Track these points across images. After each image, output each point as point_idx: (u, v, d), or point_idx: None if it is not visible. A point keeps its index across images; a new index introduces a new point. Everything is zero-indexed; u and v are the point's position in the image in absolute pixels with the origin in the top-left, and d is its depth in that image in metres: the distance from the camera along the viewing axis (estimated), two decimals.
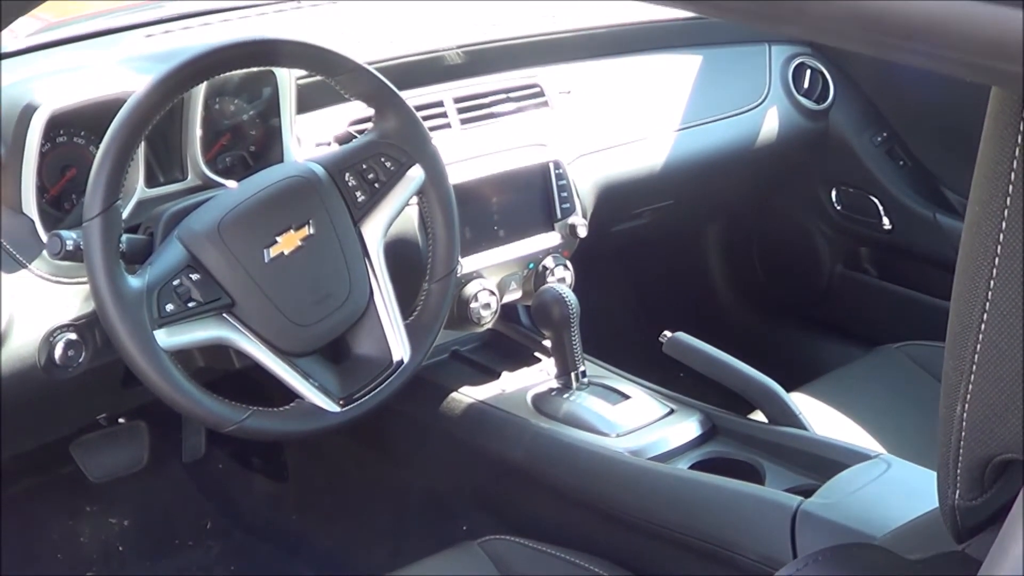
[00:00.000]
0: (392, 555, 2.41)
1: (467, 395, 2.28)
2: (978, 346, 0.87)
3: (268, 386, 1.87)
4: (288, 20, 2.38)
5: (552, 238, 2.34)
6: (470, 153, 2.25)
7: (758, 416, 2.11)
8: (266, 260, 1.78)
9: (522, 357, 2.40)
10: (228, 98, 2.06)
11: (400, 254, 2.05)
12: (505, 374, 2.34)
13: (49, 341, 1.78)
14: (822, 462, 1.93)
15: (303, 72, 2.03)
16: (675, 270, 3.40)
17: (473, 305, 2.22)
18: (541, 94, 2.43)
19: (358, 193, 1.89)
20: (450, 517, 2.38)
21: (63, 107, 1.81)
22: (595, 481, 2.04)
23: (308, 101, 2.11)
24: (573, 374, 2.22)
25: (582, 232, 2.34)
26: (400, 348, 1.91)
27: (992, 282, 0.85)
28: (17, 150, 1.78)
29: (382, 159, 1.91)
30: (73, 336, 1.80)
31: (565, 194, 2.34)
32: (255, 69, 1.96)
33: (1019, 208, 0.82)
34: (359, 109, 2.11)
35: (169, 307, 1.68)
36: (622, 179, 2.51)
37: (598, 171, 2.46)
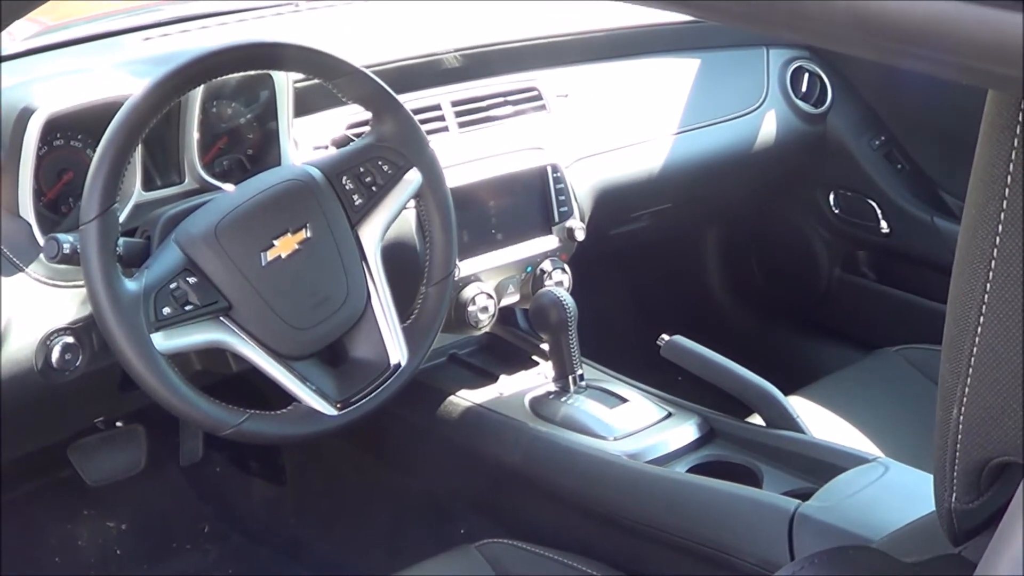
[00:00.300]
0: (390, 558, 2.41)
1: (465, 398, 2.28)
2: (974, 349, 0.87)
3: (265, 390, 1.87)
4: (285, 23, 2.38)
5: (550, 241, 2.34)
6: (468, 157, 2.25)
7: (756, 419, 2.12)
8: (263, 264, 1.78)
9: (520, 360, 2.40)
10: (225, 101, 2.06)
11: (397, 257, 2.05)
12: (503, 377, 2.34)
13: (46, 344, 1.78)
14: (820, 465, 1.93)
15: (300, 75, 2.03)
16: (673, 273, 3.40)
17: (471, 308, 2.22)
18: (539, 97, 2.43)
19: (355, 196, 1.89)
20: (448, 520, 2.37)
21: (60, 110, 1.81)
22: (593, 484, 2.04)
23: (305, 104, 2.11)
24: (571, 377, 2.22)
25: (580, 235, 2.34)
26: (397, 351, 1.90)
27: (988, 285, 0.85)
28: (14, 153, 1.78)
29: (379, 162, 1.91)
30: (70, 339, 1.80)
31: (563, 197, 2.34)
32: (252, 72, 1.96)
33: (1015, 211, 0.82)
34: (356, 112, 2.12)
35: (166, 310, 1.68)
36: (620, 182, 2.51)
37: (596, 174, 2.46)
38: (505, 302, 2.32)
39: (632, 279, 3.38)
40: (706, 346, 2.16)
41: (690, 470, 2.02)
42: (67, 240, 1.69)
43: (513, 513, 2.24)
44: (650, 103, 2.64)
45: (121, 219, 1.71)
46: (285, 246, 1.80)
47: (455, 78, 2.35)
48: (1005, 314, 0.85)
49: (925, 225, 2.83)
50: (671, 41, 2.73)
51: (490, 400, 2.27)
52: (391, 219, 1.93)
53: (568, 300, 2.18)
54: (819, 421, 2.20)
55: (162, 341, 1.67)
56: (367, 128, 1.95)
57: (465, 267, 2.20)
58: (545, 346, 2.30)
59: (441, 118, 2.27)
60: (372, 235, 1.90)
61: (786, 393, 2.13)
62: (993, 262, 0.84)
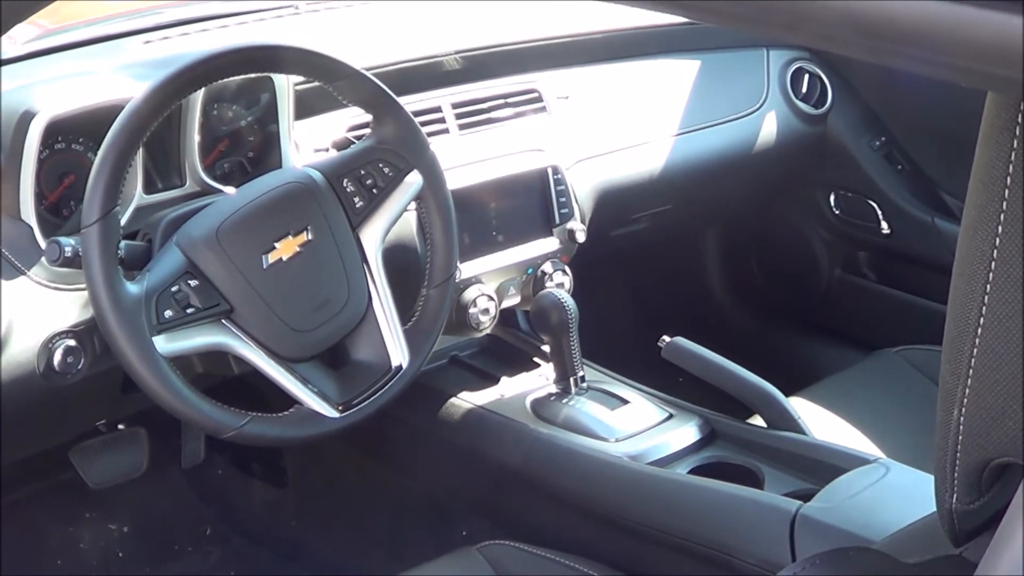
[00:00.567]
0: (391, 560, 2.41)
1: (466, 400, 2.28)
2: (975, 350, 0.87)
3: (267, 392, 1.87)
4: (285, 26, 2.38)
5: (551, 243, 2.34)
6: (468, 159, 2.25)
7: (757, 420, 2.12)
8: (264, 266, 1.78)
9: (521, 362, 2.40)
10: (226, 104, 2.06)
11: (399, 260, 2.05)
12: (504, 379, 2.34)
13: (48, 348, 1.78)
14: (821, 466, 1.93)
15: (301, 78, 2.03)
16: (674, 275, 3.40)
17: (472, 310, 2.22)
18: (539, 99, 2.43)
19: (356, 199, 1.89)
20: (449, 522, 2.37)
21: (61, 114, 1.81)
22: (594, 486, 2.04)
23: (306, 107, 2.11)
24: (572, 379, 2.22)
25: (581, 237, 2.35)
26: (399, 353, 1.91)
27: (988, 286, 0.85)
28: (15, 157, 1.78)
29: (380, 165, 1.91)
30: (72, 342, 1.80)
31: (564, 199, 2.34)
32: (253, 75, 1.96)
33: (1015, 212, 0.83)
34: (357, 115, 2.12)
35: (168, 313, 1.68)
36: (620, 184, 2.51)
37: (596, 176, 2.46)
38: (506, 304, 2.32)
39: (633, 280, 3.38)
40: (707, 347, 2.17)
41: (691, 471, 2.02)
42: (69, 243, 1.69)
43: (514, 515, 2.24)
44: (650, 104, 2.64)
45: (122, 222, 1.71)
46: (286, 249, 1.80)
47: (455, 80, 2.35)
48: (1005, 315, 0.85)
49: (925, 226, 2.83)
50: (671, 42, 2.73)
51: (491, 402, 2.27)
52: (392, 221, 1.93)
53: (569, 302, 2.18)
54: (820, 422, 2.20)
55: (164, 344, 1.67)
56: (368, 130, 1.96)
57: (466, 269, 2.21)
58: (546, 348, 2.30)
59: (442, 120, 2.27)
60: (373, 237, 1.90)
61: (787, 394, 2.13)
62: (993, 263, 0.84)
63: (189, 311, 1.71)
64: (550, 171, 2.33)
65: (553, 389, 2.26)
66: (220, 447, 2.75)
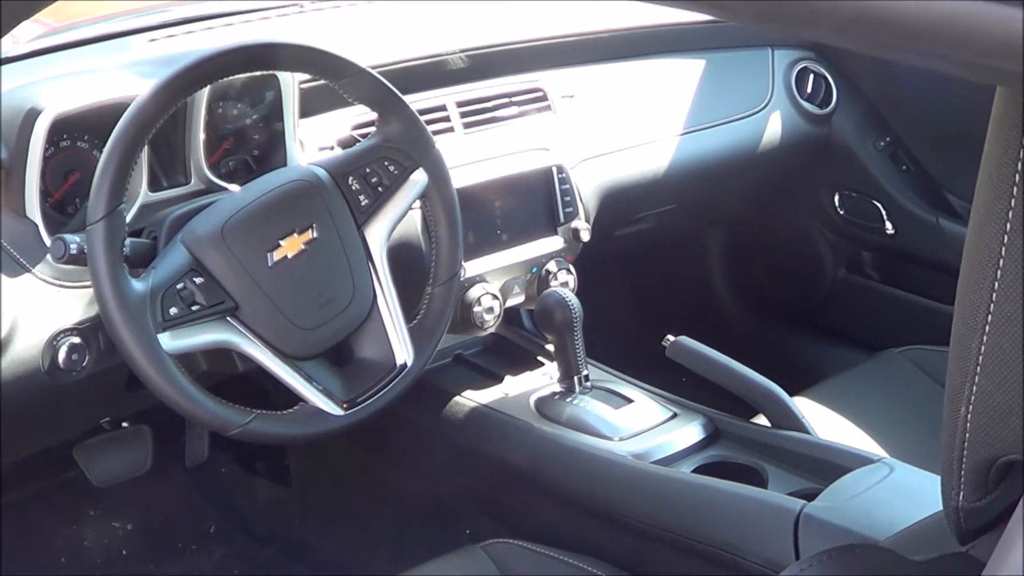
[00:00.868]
0: (395, 559, 2.42)
1: (470, 399, 2.28)
2: (982, 348, 0.87)
3: (271, 390, 1.87)
4: (290, 24, 2.38)
5: (555, 242, 2.34)
6: (473, 157, 2.25)
7: (761, 420, 2.12)
8: (270, 264, 1.78)
9: (525, 361, 2.40)
10: (231, 102, 2.06)
11: (403, 258, 2.05)
12: (508, 378, 2.34)
13: (53, 345, 1.78)
14: (825, 466, 1.93)
15: (306, 76, 2.03)
16: (678, 274, 3.40)
17: (476, 309, 2.22)
18: (544, 98, 2.43)
19: (361, 197, 1.89)
20: (453, 521, 2.38)
21: (67, 111, 1.81)
22: (598, 485, 2.04)
23: (311, 105, 2.11)
24: (576, 378, 2.22)
25: (585, 236, 2.35)
26: (403, 352, 1.91)
27: (996, 284, 0.85)
28: (21, 154, 1.78)
29: (385, 163, 1.91)
30: (77, 340, 1.80)
31: (568, 198, 2.34)
32: (258, 73, 1.96)
33: (1023, 210, 0.82)
34: (362, 113, 2.12)
35: (173, 311, 1.68)
36: (625, 183, 2.51)
37: (601, 175, 2.46)
38: (510, 303, 2.32)
39: (637, 280, 3.38)
40: (711, 347, 2.16)
41: (695, 470, 2.02)
42: (74, 241, 1.69)
43: (518, 513, 2.24)
44: (655, 104, 2.64)
45: (128, 220, 1.71)
46: (291, 246, 1.80)
47: (460, 79, 2.35)
48: (1013, 312, 0.85)
49: (930, 226, 2.83)
50: (676, 42, 2.73)
51: (495, 401, 2.27)
52: (397, 219, 1.93)
53: (573, 301, 2.18)
54: (824, 422, 2.20)
55: (169, 341, 1.67)
56: (373, 129, 1.96)
57: (470, 268, 2.21)
58: (550, 347, 2.30)
59: (447, 119, 2.27)
60: (378, 235, 1.90)
61: (791, 394, 2.13)
62: (1001, 260, 0.84)
63: (194, 308, 1.71)
64: (555, 170, 2.33)
65: (557, 388, 2.26)
66: (224, 445, 2.75)
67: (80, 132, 1.89)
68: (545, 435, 2.14)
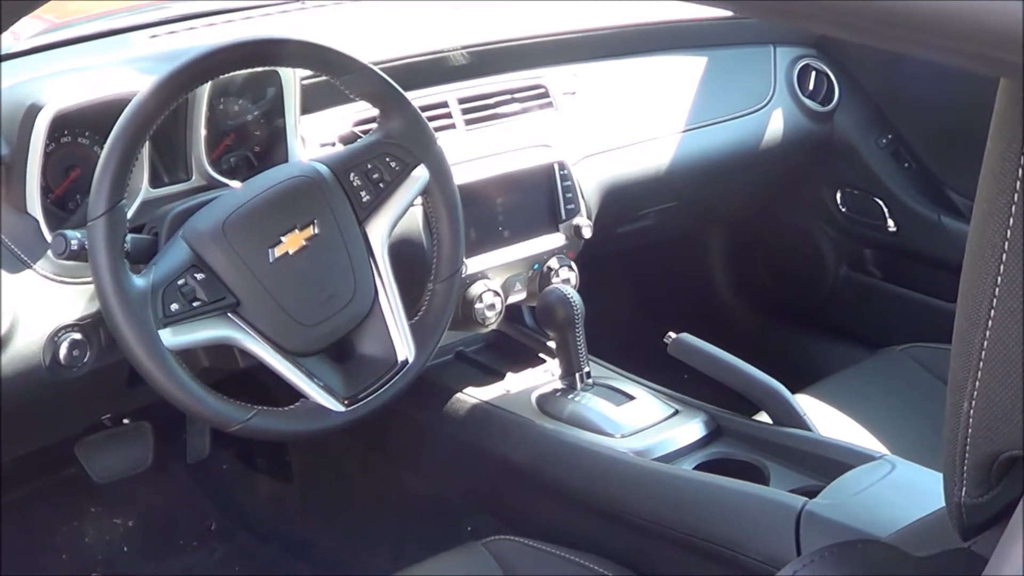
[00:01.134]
0: (396, 556, 2.41)
1: (471, 396, 2.28)
2: (985, 343, 0.87)
3: (273, 386, 1.86)
4: (292, 20, 2.38)
5: (557, 239, 2.34)
6: (475, 154, 2.25)
7: (763, 417, 2.11)
8: (271, 260, 1.78)
9: (527, 358, 2.40)
10: (232, 98, 2.06)
11: (405, 254, 2.05)
12: (509, 375, 2.34)
13: (54, 341, 1.78)
14: (827, 463, 1.93)
15: (308, 72, 2.03)
16: (679, 271, 3.40)
17: (478, 306, 2.22)
18: (546, 95, 2.43)
19: (363, 193, 1.89)
20: (454, 518, 2.38)
21: (67, 107, 1.81)
22: (600, 482, 2.04)
23: (313, 101, 2.11)
24: (578, 375, 2.22)
25: (587, 233, 2.34)
26: (405, 348, 1.90)
27: (999, 279, 0.85)
28: (21, 150, 1.77)
29: (387, 159, 1.91)
30: (78, 336, 1.80)
31: (570, 195, 2.34)
32: (259, 69, 1.96)
33: None
34: (364, 109, 2.12)
35: (174, 307, 1.68)
36: (627, 180, 2.51)
37: (603, 172, 2.46)
38: (512, 299, 2.32)
39: (639, 277, 3.38)
40: (713, 344, 2.16)
41: (697, 467, 2.02)
42: (75, 236, 1.69)
43: (520, 510, 2.24)
44: (657, 101, 2.64)
45: (128, 216, 1.71)
46: (293, 243, 1.80)
47: (462, 75, 2.35)
48: (1016, 307, 0.84)
49: (932, 223, 2.83)
50: (678, 39, 2.73)
51: (497, 397, 2.27)
52: (398, 216, 1.93)
53: (575, 297, 2.18)
54: (826, 419, 2.20)
55: (170, 337, 1.67)
56: (374, 125, 1.95)
57: (472, 264, 2.21)
58: (552, 343, 2.30)
59: (448, 115, 2.27)
60: (379, 232, 1.90)
61: (793, 391, 2.12)
62: (1004, 255, 0.84)
63: (195, 304, 1.70)
64: (556, 167, 2.33)
65: (559, 385, 2.26)
66: (225, 442, 2.75)
67: (81, 128, 1.89)
68: (547, 432, 2.13)
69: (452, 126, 2.27)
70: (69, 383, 1.82)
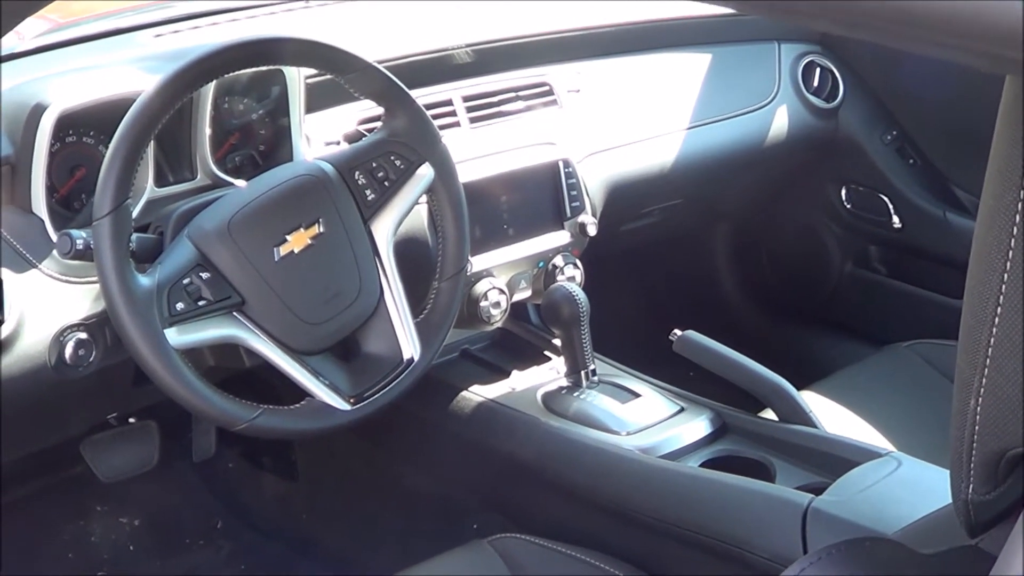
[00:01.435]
0: (401, 554, 2.40)
1: (477, 394, 2.28)
2: (992, 340, 0.87)
3: (278, 385, 1.87)
4: (297, 19, 2.38)
5: (562, 237, 2.34)
6: (479, 152, 2.25)
7: (768, 414, 2.11)
8: (276, 259, 1.78)
9: (532, 356, 2.40)
10: (237, 97, 2.06)
11: (410, 252, 2.05)
12: (515, 373, 2.34)
13: (59, 340, 1.78)
14: (832, 460, 1.93)
15: (312, 71, 2.03)
16: (684, 269, 3.39)
17: (483, 304, 2.22)
18: (550, 93, 2.43)
19: (368, 191, 1.89)
20: (460, 516, 2.37)
21: (72, 107, 1.81)
22: (605, 479, 2.04)
23: (317, 100, 2.11)
24: (583, 372, 2.22)
25: (592, 231, 2.34)
26: (410, 346, 1.90)
27: (1006, 275, 0.85)
28: (27, 150, 1.78)
29: (392, 157, 1.91)
30: (83, 335, 1.80)
31: (575, 193, 2.34)
32: (264, 68, 1.96)
33: None
34: (368, 108, 2.12)
35: (179, 306, 1.68)
36: (631, 178, 2.51)
37: (607, 170, 2.46)
38: (517, 297, 2.32)
39: (644, 274, 3.38)
40: (718, 341, 2.16)
41: (703, 465, 2.02)
42: (80, 236, 1.69)
43: (525, 508, 2.24)
44: (661, 98, 2.63)
45: (134, 215, 1.71)
46: (298, 241, 1.80)
47: (466, 73, 2.34)
48: (1022, 304, 0.84)
49: (937, 220, 2.82)
50: (682, 36, 2.73)
51: (502, 395, 2.27)
52: (403, 214, 1.93)
53: (580, 295, 2.18)
54: (831, 416, 2.20)
55: (175, 336, 1.67)
56: (379, 123, 1.95)
57: (477, 262, 2.21)
58: (557, 341, 2.30)
59: (453, 113, 2.27)
60: (385, 230, 1.90)
61: (798, 388, 2.12)
62: (1011, 252, 0.84)
63: (201, 304, 1.70)
64: (561, 164, 2.33)
65: (564, 382, 2.26)
66: (231, 441, 2.76)
67: (86, 128, 1.89)
68: (552, 430, 2.13)
69: (456, 124, 2.27)
70: (75, 382, 1.82)
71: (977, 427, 0.92)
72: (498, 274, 2.27)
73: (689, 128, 2.63)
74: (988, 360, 0.88)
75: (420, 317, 1.96)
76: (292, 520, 2.80)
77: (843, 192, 3.00)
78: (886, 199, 2.91)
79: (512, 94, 2.38)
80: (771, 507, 1.82)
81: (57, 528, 2.68)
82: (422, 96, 2.07)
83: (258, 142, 2.09)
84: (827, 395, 2.30)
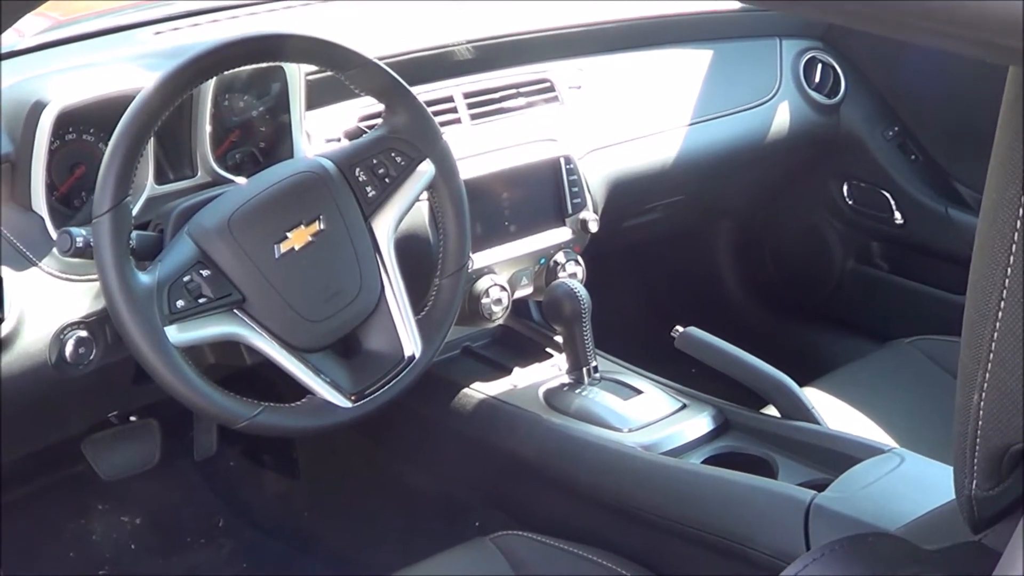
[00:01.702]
0: (403, 552, 2.40)
1: (478, 391, 2.28)
2: (995, 334, 0.87)
3: (279, 382, 1.86)
4: (296, 17, 2.38)
5: (563, 233, 2.33)
6: (480, 148, 2.25)
7: (770, 411, 2.11)
8: (276, 256, 1.77)
9: (533, 353, 2.40)
10: (237, 94, 2.06)
11: (411, 249, 2.05)
12: (517, 370, 2.33)
13: (60, 339, 1.78)
14: (835, 456, 1.93)
15: (312, 68, 2.03)
16: (686, 265, 3.39)
17: (484, 301, 2.22)
18: (551, 89, 2.43)
19: (368, 188, 1.88)
20: (462, 514, 2.37)
21: (72, 104, 1.81)
22: (607, 476, 2.04)
23: (317, 97, 2.10)
24: (585, 369, 2.22)
25: (593, 227, 2.34)
26: (411, 344, 1.90)
27: (1009, 270, 0.84)
28: (26, 148, 1.78)
29: (392, 154, 1.90)
30: (84, 333, 1.80)
31: (576, 189, 2.33)
32: (264, 65, 1.95)
33: None
34: (369, 105, 2.12)
35: (180, 303, 1.67)
36: (633, 174, 2.51)
37: (609, 166, 2.45)
38: (519, 294, 2.32)
39: (645, 271, 3.37)
40: (720, 337, 2.16)
41: (705, 461, 2.02)
42: (80, 234, 1.68)
43: (527, 506, 2.23)
44: (663, 94, 2.63)
45: (134, 212, 1.70)
46: (298, 238, 1.79)
47: (467, 70, 2.34)
48: None
49: (939, 216, 2.82)
50: (684, 32, 2.72)
51: (504, 392, 2.26)
52: (404, 211, 1.92)
53: (582, 292, 2.18)
54: (834, 412, 2.19)
55: (176, 334, 1.67)
56: (380, 120, 1.95)
57: (478, 259, 2.20)
58: (559, 338, 2.30)
59: (454, 110, 2.27)
60: (385, 227, 1.90)
61: (800, 384, 2.12)
62: (1014, 246, 0.83)
63: (201, 301, 1.70)
64: (562, 161, 2.32)
65: (566, 379, 2.25)
66: (232, 439, 2.75)
67: (86, 125, 1.89)
68: (554, 427, 2.13)
69: (457, 121, 2.26)
70: (75, 381, 1.81)
71: (981, 422, 0.91)
72: (499, 271, 2.26)
73: (690, 124, 2.63)
74: (991, 355, 0.87)
75: (421, 314, 1.95)
76: (293, 518, 2.80)
77: (845, 188, 3.00)
78: (888, 195, 2.91)
79: (513, 90, 2.38)
80: (773, 503, 1.82)
81: (58, 527, 2.68)
82: (423, 93, 2.07)
83: (258, 139, 2.08)
84: (829, 391, 2.29)
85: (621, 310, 3.03)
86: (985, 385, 0.89)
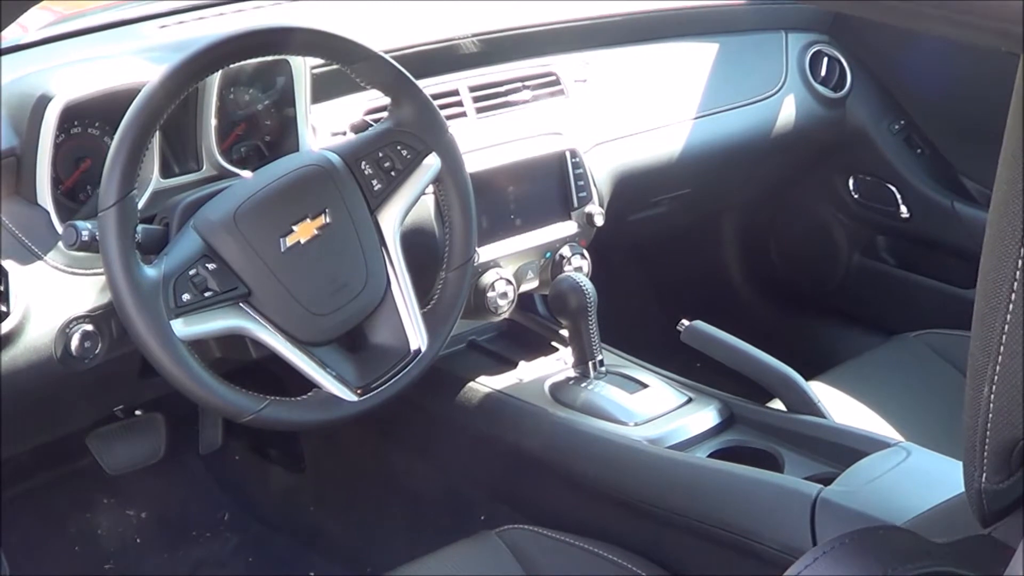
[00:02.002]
0: (409, 546, 2.41)
1: (484, 385, 2.28)
2: (1005, 327, 0.86)
3: (285, 376, 1.86)
4: (302, 10, 2.37)
5: (569, 227, 2.33)
6: (486, 142, 2.24)
7: (777, 404, 2.11)
8: (282, 249, 1.77)
9: (539, 346, 2.39)
10: (243, 88, 2.06)
11: (417, 243, 2.04)
12: (522, 364, 2.33)
13: (65, 332, 1.78)
14: (841, 450, 1.93)
15: (318, 61, 2.03)
16: (692, 259, 3.39)
17: (490, 294, 2.22)
18: (557, 82, 2.42)
19: (374, 182, 1.88)
20: (467, 508, 2.37)
21: (77, 98, 1.80)
22: (613, 470, 2.04)
23: (323, 90, 2.10)
24: (591, 363, 2.22)
25: (599, 221, 2.34)
26: (417, 337, 1.90)
27: (1020, 261, 0.84)
28: (32, 142, 1.78)
29: (398, 147, 1.90)
30: (89, 327, 1.80)
31: (582, 183, 2.33)
32: (270, 58, 1.95)
33: None
34: (375, 98, 2.12)
35: (185, 297, 1.67)
36: (639, 168, 2.51)
37: (615, 159, 2.45)
38: (524, 288, 2.32)
39: (651, 265, 3.37)
40: (726, 331, 2.16)
41: (711, 455, 2.01)
42: (86, 228, 1.68)
43: (533, 499, 2.23)
44: (669, 88, 2.63)
45: (139, 206, 1.71)
46: (304, 232, 1.79)
47: (473, 63, 2.34)
48: None
49: (945, 210, 2.81)
50: (690, 25, 2.72)
51: (510, 386, 2.26)
52: (410, 204, 1.92)
53: (587, 285, 2.18)
54: (840, 406, 2.19)
55: (182, 328, 1.66)
56: (385, 113, 1.95)
57: (484, 253, 2.20)
58: (564, 332, 2.30)
59: (459, 103, 2.27)
60: (391, 220, 1.89)
61: (806, 378, 2.12)
62: None
63: (207, 295, 1.70)
64: (568, 154, 2.32)
65: (572, 373, 2.25)
66: (237, 433, 2.75)
67: (91, 119, 1.89)
68: (560, 420, 2.13)
69: (463, 114, 2.26)
70: (81, 375, 1.82)
71: (991, 415, 0.91)
72: (505, 264, 2.26)
73: (696, 118, 2.62)
74: (1002, 348, 0.87)
75: (427, 308, 1.95)
76: (299, 512, 2.80)
77: (851, 182, 3.00)
78: (894, 189, 2.90)
79: (519, 84, 2.37)
80: (780, 497, 1.81)
81: (63, 521, 2.68)
82: (429, 86, 2.06)
83: (264, 132, 2.08)
84: (835, 385, 2.29)
85: (627, 304, 3.03)
86: (995, 378, 0.89)
